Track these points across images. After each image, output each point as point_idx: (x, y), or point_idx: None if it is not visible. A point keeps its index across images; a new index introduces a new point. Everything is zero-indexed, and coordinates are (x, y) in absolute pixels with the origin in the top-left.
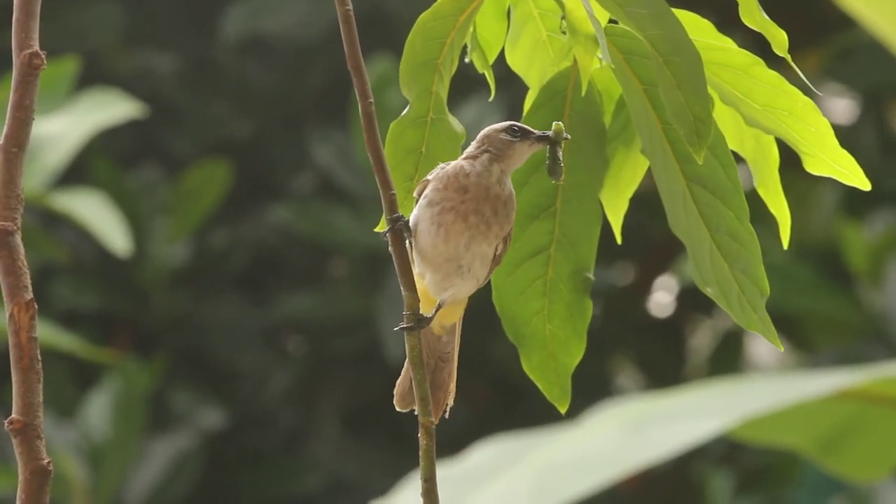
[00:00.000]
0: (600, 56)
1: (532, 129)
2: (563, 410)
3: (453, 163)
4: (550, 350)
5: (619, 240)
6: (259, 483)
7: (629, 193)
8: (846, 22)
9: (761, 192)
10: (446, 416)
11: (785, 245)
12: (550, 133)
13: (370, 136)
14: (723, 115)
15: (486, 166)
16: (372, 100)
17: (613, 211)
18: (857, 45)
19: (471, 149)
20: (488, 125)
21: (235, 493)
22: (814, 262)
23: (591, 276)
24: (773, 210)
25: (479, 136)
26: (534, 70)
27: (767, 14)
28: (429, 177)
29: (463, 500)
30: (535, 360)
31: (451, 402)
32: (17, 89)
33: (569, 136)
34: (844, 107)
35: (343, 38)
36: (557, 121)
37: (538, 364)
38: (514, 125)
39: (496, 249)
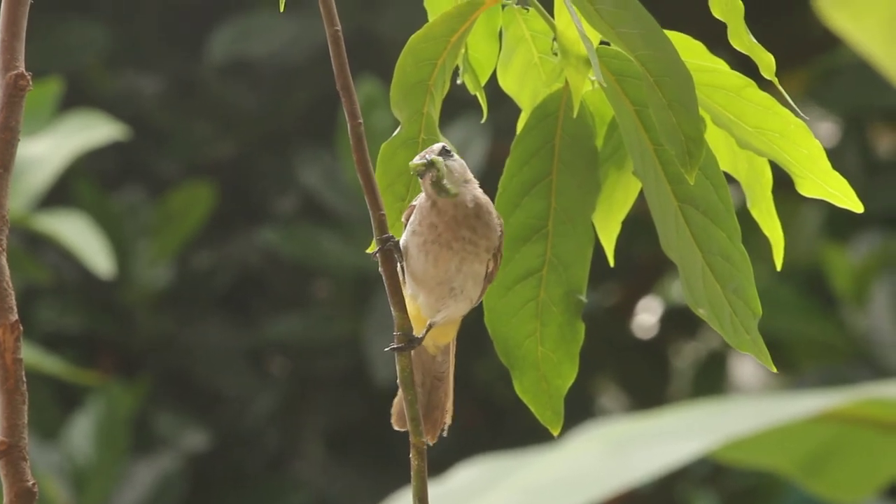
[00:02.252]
0: (592, 77)
1: (420, 167)
2: (555, 433)
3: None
4: (543, 372)
5: (611, 262)
6: None
7: (621, 216)
8: (828, 45)
9: (754, 213)
10: (444, 434)
11: (778, 266)
12: (412, 172)
13: (360, 157)
14: (715, 136)
15: (434, 205)
16: (361, 120)
17: (606, 233)
18: (839, 68)
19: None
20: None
21: None
22: (798, 285)
23: (583, 298)
24: (766, 231)
25: None
26: (526, 92)
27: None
28: (414, 202)
29: None
30: (527, 382)
31: (448, 420)
32: (2, 110)
33: (423, 166)
34: (827, 130)
35: (332, 59)
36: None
37: (530, 386)
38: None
39: (487, 267)
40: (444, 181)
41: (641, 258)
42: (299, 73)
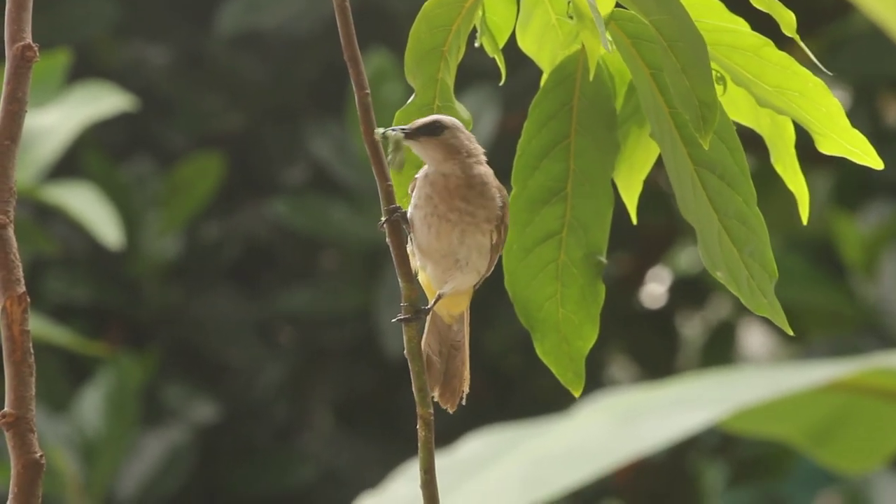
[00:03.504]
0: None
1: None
2: (577, 394)
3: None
4: (563, 334)
5: (634, 220)
6: (252, 476)
7: (643, 175)
8: (838, 13)
9: (778, 170)
10: (463, 402)
11: (804, 221)
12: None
13: (367, 127)
14: (736, 94)
15: (425, 177)
16: (368, 91)
17: (628, 193)
18: (850, 36)
19: None
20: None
21: (228, 486)
22: (807, 254)
23: (603, 259)
24: (790, 186)
25: None
26: (545, 53)
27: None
28: (417, 175)
29: (455, 490)
30: (548, 344)
31: (466, 388)
32: (9, 81)
33: (382, 135)
34: (837, 98)
35: (339, 29)
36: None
37: (551, 348)
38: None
39: (491, 238)
40: (390, 157)
41: (651, 228)
42: (308, 45)
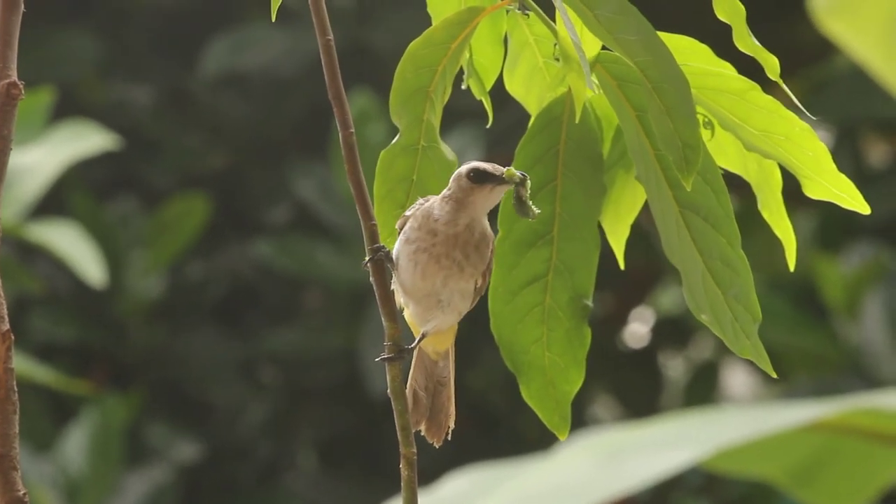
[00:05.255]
0: (596, 81)
1: (493, 172)
2: (563, 438)
3: (431, 200)
4: (549, 378)
5: (622, 265)
6: None
7: (630, 219)
8: (821, 55)
9: (765, 215)
10: (449, 437)
11: (791, 267)
12: (505, 176)
13: (351, 167)
14: (724, 140)
15: (451, 215)
16: (353, 130)
17: (615, 237)
18: (833, 77)
19: (446, 189)
20: (471, 156)
21: None
22: (789, 295)
23: (589, 303)
24: (778, 232)
25: (451, 177)
26: (532, 96)
27: None
28: (407, 213)
29: None
30: (533, 387)
31: (452, 423)
32: None
33: (523, 176)
34: (820, 139)
35: (324, 68)
36: (555, 147)
37: (537, 392)
38: (475, 168)
39: (476, 283)
40: (531, 202)
41: (634, 268)
42: (293, 85)
